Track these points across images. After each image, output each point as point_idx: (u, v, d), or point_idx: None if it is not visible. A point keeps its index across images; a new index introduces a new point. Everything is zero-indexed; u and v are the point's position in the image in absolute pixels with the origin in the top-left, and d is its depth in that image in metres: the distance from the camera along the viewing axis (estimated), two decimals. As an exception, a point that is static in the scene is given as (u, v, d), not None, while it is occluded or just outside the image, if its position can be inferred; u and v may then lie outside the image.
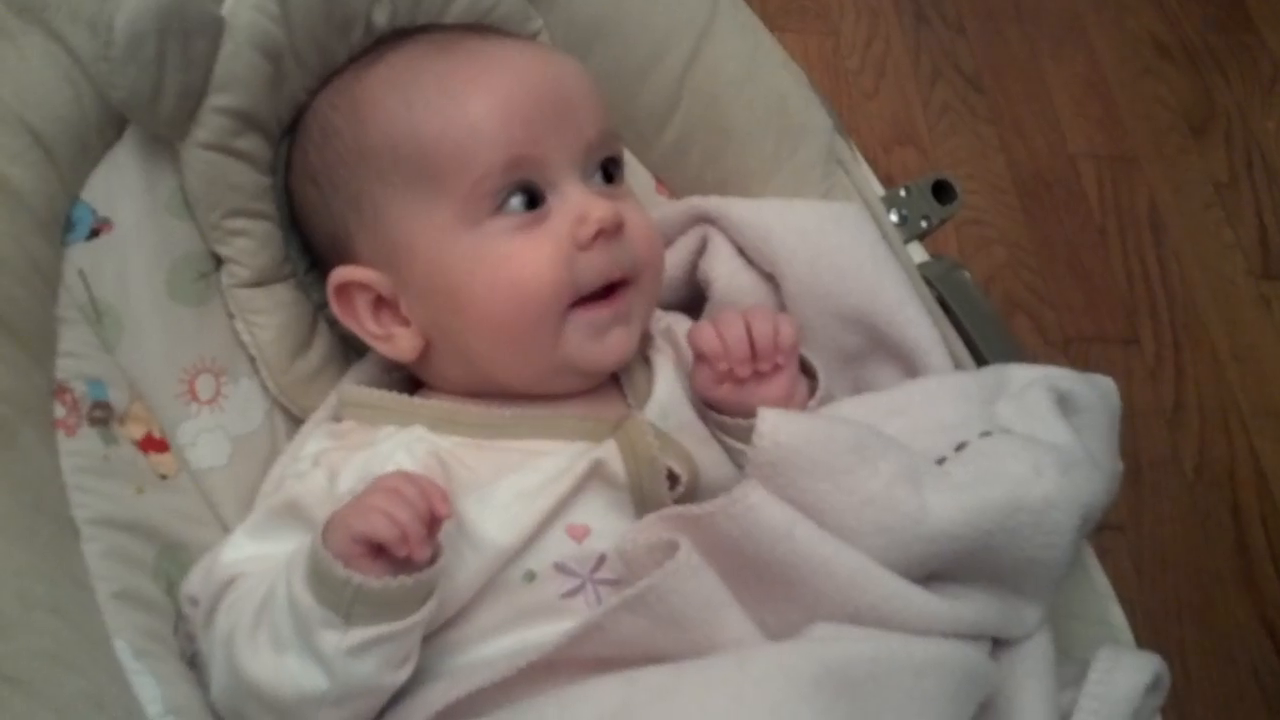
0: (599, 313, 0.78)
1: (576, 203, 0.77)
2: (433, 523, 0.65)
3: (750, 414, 0.73)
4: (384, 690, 0.68)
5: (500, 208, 0.77)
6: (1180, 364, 1.67)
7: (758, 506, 0.68)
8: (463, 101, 0.77)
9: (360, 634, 0.65)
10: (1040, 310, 1.68)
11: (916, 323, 0.88)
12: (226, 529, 0.81)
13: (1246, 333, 1.71)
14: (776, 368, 0.80)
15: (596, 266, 0.77)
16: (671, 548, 0.67)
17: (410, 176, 0.78)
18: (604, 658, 0.67)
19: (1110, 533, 1.46)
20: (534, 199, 0.78)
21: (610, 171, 0.82)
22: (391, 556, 0.64)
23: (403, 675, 0.68)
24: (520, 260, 0.76)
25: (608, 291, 0.79)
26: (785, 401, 0.81)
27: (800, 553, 0.68)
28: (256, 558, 0.73)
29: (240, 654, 0.67)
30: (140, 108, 0.78)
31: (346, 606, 0.64)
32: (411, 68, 0.81)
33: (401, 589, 0.65)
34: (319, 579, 0.64)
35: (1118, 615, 0.82)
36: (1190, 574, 1.48)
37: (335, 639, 0.65)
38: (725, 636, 0.66)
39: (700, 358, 0.81)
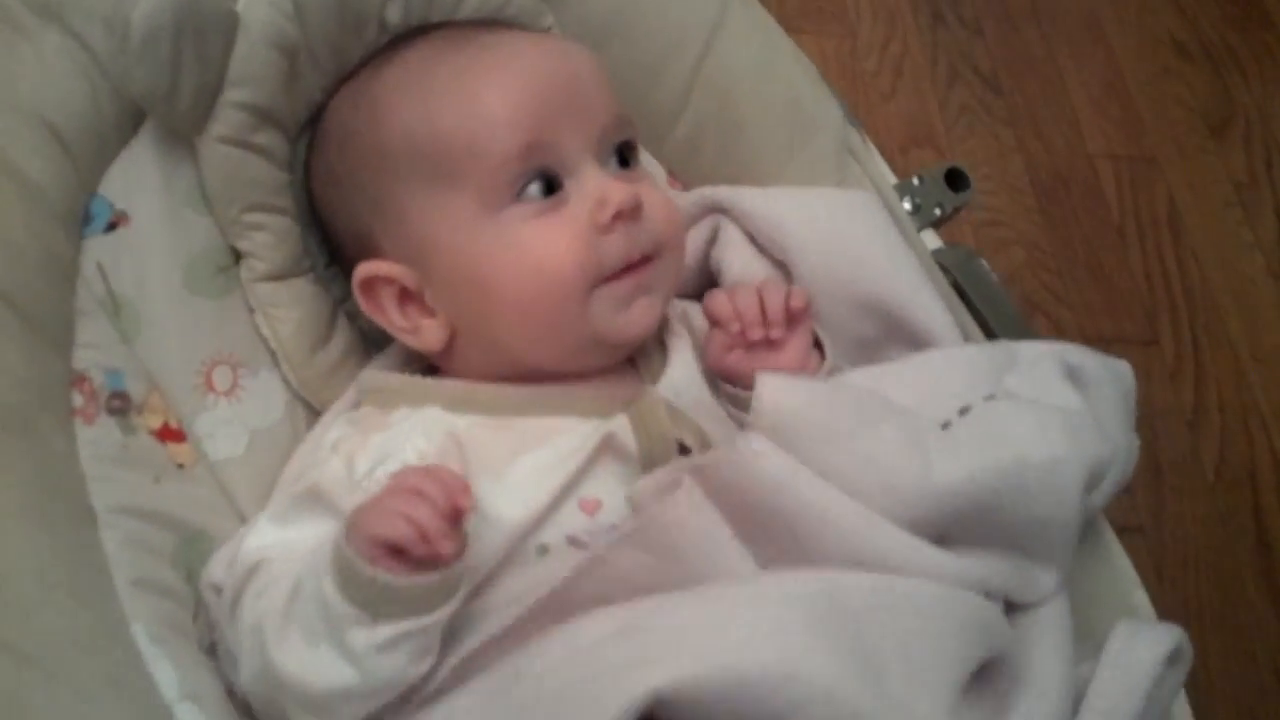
0: (622, 285, 0.78)
1: (594, 187, 0.78)
2: (455, 516, 0.65)
3: None
4: (410, 680, 0.68)
5: (519, 195, 0.77)
6: (1200, 365, 1.66)
7: (760, 455, 0.69)
8: (476, 93, 0.78)
9: (388, 630, 0.65)
10: (1059, 311, 1.68)
11: (931, 309, 0.88)
12: (244, 519, 0.82)
13: (1267, 333, 1.70)
14: (787, 335, 0.81)
15: (617, 248, 0.78)
16: (677, 485, 0.68)
17: (429, 171, 0.78)
18: (609, 595, 0.67)
19: (1131, 534, 1.46)
20: (551, 185, 0.78)
21: (626, 156, 0.82)
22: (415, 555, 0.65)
23: (428, 664, 0.69)
24: (542, 246, 0.77)
25: (629, 266, 0.79)
26: (797, 370, 0.81)
27: (803, 500, 0.68)
28: (280, 544, 0.73)
29: (270, 645, 0.68)
30: (157, 103, 0.79)
31: (374, 605, 0.65)
32: (426, 65, 0.82)
33: (428, 585, 0.65)
34: (345, 577, 0.65)
35: (1141, 599, 0.82)
36: (1211, 575, 1.47)
37: (364, 636, 0.65)
38: (726, 571, 0.67)
39: (714, 323, 0.82)
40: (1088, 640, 0.75)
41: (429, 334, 0.81)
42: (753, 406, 0.71)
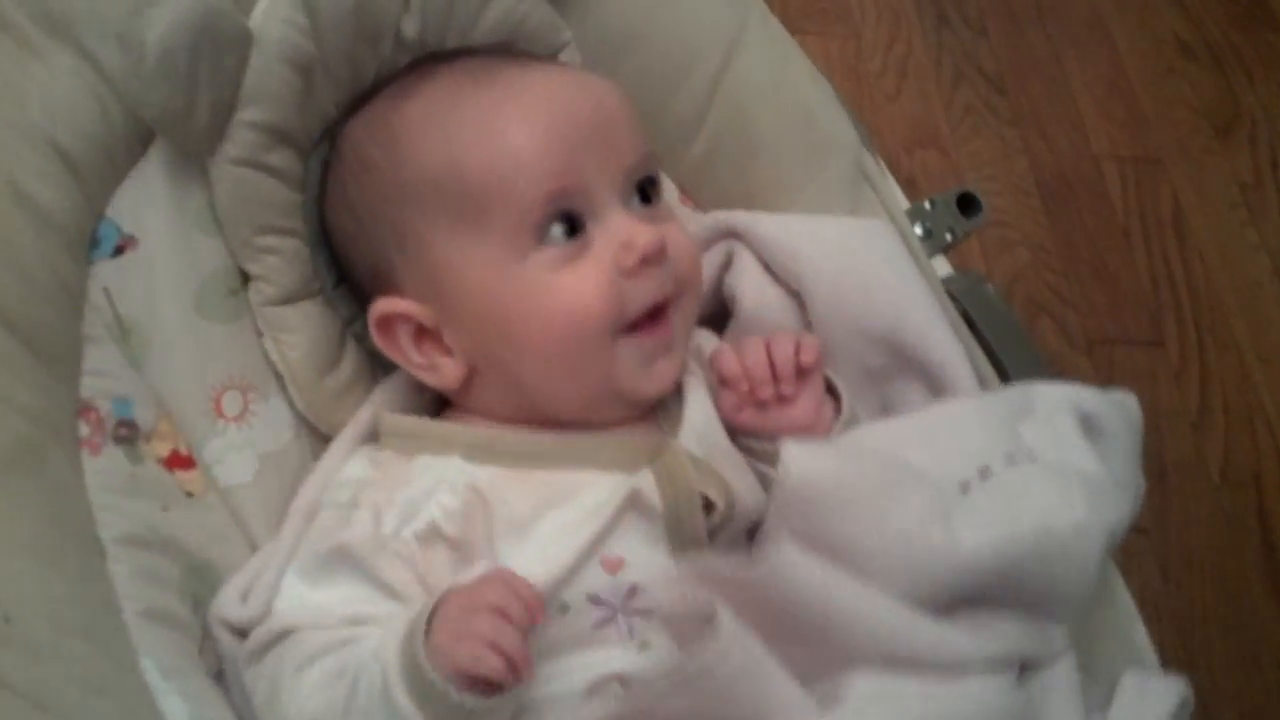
0: (648, 340, 0.78)
1: (619, 230, 0.77)
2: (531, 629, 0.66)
3: (776, 437, 0.73)
4: None
5: (542, 238, 0.77)
6: (1205, 366, 1.66)
7: (795, 572, 0.68)
8: (504, 133, 0.77)
9: None
10: (1064, 312, 1.68)
11: (943, 342, 0.87)
12: (254, 546, 0.81)
13: (1272, 334, 1.70)
14: (798, 389, 0.80)
15: (643, 292, 0.77)
16: (710, 610, 0.66)
17: (454, 210, 0.77)
18: None
19: (1135, 536, 1.45)
20: (574, 225, 0.77)
21: (647, 192, 0.81)
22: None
23: None
24: (569, 291, 0.76)
25: (653, 315, 0.79)
26: (811, 424, 0.81)
27: (836, 608, 0.68)
28: (316, 607, 0.73)
29: None
30: (172, 124, 0.78)
31: None
32: (450, 99, 0.80)
33: (506, 702, 0.65)
34: (424, 696, 0.64)
35: (1141, 635, 0.82)
36: (1216, 577, 1.47)
37: None
38: (769, 701, 0.66)
39: (722, 383, 0.81)
40: (1088, 674, 0.75)
41: (446, 372, 0.81)
42: (779, 479, 0.71)
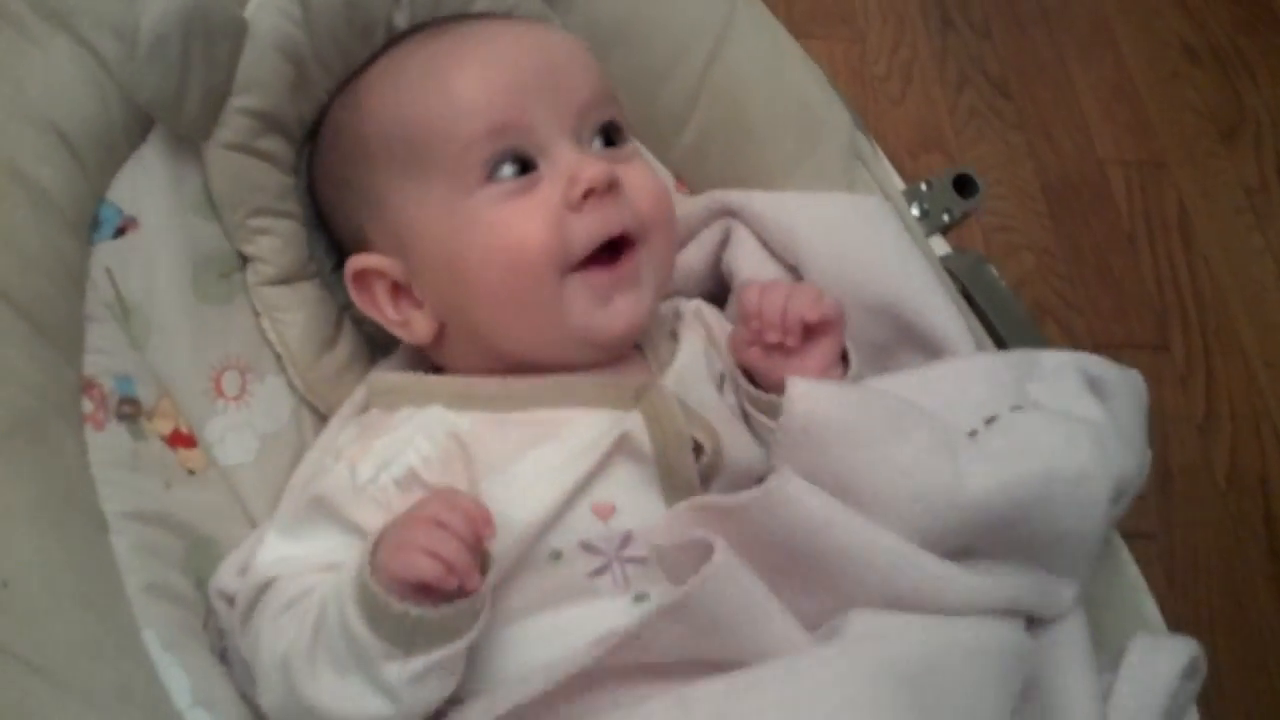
0: (597, 277, 0.77)
1: (567, 165, 0.77)
2: (478, 544, 0.65)
3: (779, 389, 0.72)
4: (439, 701, 0.69)
5: (490, 177, 0.77)
6: (1211, 370, 1.65)
7: (794, 498, 0.67)
8: (444, 78, 0.78)
9: (422, 661, 0.65)
10: (1069, 316, 1.67)
11: (943, 313, 0.87)
12: (254, 524, 0.82)
13: (1278, 338, 1.70)
14: (810, 333, 0.79)
15: (588, 227, 0.76)
16: (706, 547, 0.65)
17: (403, 158, 0.78)
18: (644, 664, 0.66)
19: (1142, 541, 1.45)
20: (525, 166, 0.77)
21: (611, 136, 0.81)
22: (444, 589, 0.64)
23: (455, 683, 0.69)
24: (510, 225, 0.76)
25: (613, 256, 0.78)
26: (820, 376, 0.80)
27: (838, 542, 0.67)
28: (290, 559, 0.73)
29: (300, 680, 0.68)
30: (165, 109, 0.79)
31: (405, 639, 0.65)
32: (402, 57, 0.82)
33: (457, 613, 0.65)
34: (373, 613, 0.64)
35: (1150, 607, 0.81)
36: (1223, 582, 1.46)
37: (397, 669, 0.65)
38: (767, 638, 0.65)
39: (741, 315, 0.81)
40: (1097, 646, 0.74)
41: (418, 326, 0.81)
42: (783, 409, 0.70)
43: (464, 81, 0.77)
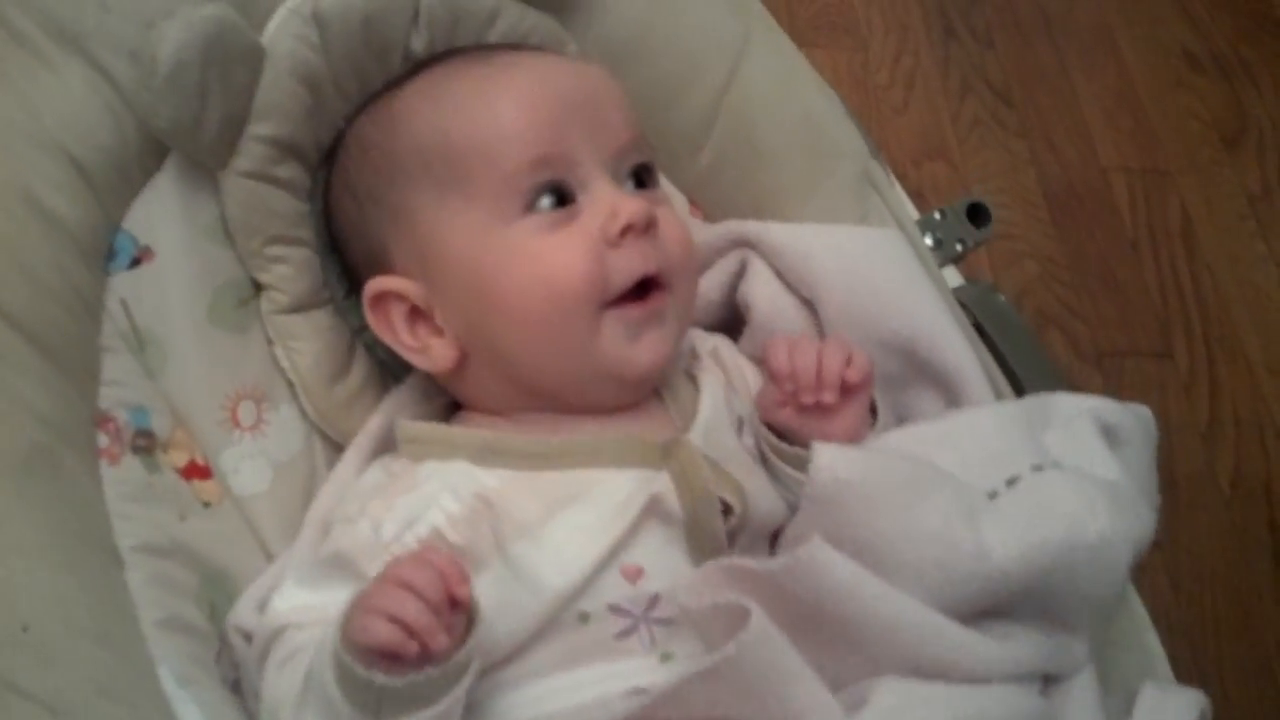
0: (633, 311, 0.77)
1: (607, 199, 0.77)
2: (452, 604, 0.64)
3: (808, 443, 0.72)
4: None
5: (530, 207, 0.77)
6: (1215, 378, 1.66)
7: (824, 566, 0.67)
8: (490, 103, 0.78)
9: None
10: (1073, 325, 1.67)
11: (956, 348, 0.87)
12: (270, 556, 0.81)
13: (1281, 345, 1.70)
14: (842, 403, 0.79)
15: (628, 262, 0.76)
16: (739, 612, 0.65)
17: (441, 179, 0.78)
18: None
19: (1146, 549, 1.45)
20: (563, 198, 0.77)
21: (643, 178, 0.82)
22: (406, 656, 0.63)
23: None
24: (551, 256, 0.76)
25: (642, 293, 0.78)
26: (851, 439, 0.79)
27: (864, 610, 0.67)
28: (305, 608, 0.73)
29: None
30: (182, 137, 0.78)
31: (374, 705, 0.64)
32: (445, 77, 0.82)
33: (428, 681, 0.64)
34: (344, 678, 0.64)
35: (1155, 644, 0.82)
36: (1228, 590, 1.47)
37: None
38: (797, 703, 0.65)
39: (771, 377, 0.80)
40: (1103, 682, 0.75)
41: (437, 354, 0.80)
42: (809, 475, 0.70)
43: (513, 108, 0.77)
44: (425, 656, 0.63)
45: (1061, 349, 1.63)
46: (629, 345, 0.77)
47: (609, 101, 0.80)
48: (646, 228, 0.77)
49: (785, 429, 0.81)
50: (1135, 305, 1.71)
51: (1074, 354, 1.64)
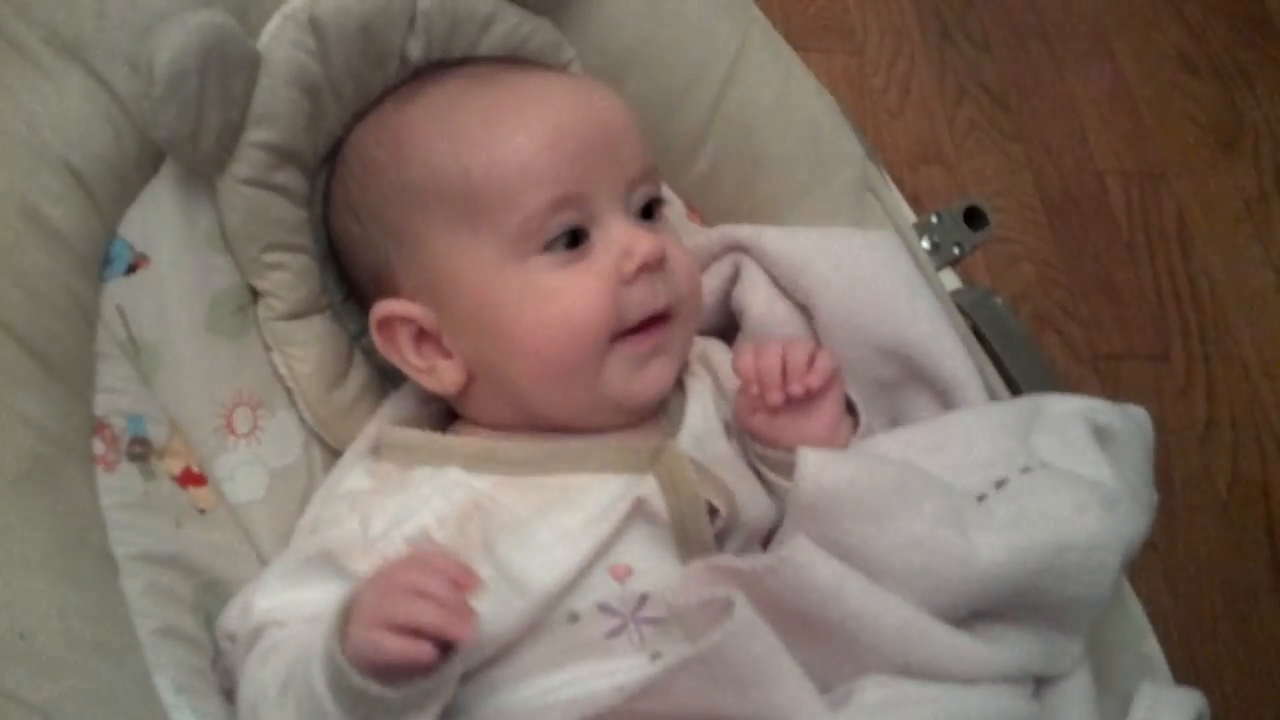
0: (639, 346, 0.79)
1: (620, 237, 0.78)
2: (463, 600, 0.64)
3: (790, 447, 0.73)
4: None
5: (547, 246, 0.77)
6: (1211, 380, 1.66)
7: (807, 566, 0.68)
8: (507, 137, 0.77)
9: None
10: (1069, 328, 1.68)
11: (952, 353, 0.87)
12: (264, 563, 0.81)
13: (1278, 348, 1.70)
14: (811, 396, 0.79)
15: (641, 299, 0.78)
16: (725, 604, 0.66)
17: (455, 211, 0.78)
18: (658, 713, 0.66)
19: (1144, 551, 1.44)
20: (577, 236, 0.78)
21: (651, 209, 0.82)
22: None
23: None
24: (568, 295, 0.77)
25: (648, 324, 0.79)
26: (829, 438, 0.80)
27: (851, 610, 0.68)
28: (287, 605, 0.73)
29: None
30: (180, 145, 0.78)
31: (365, 711, 0.64)
32: (453, 101, 0.81)
33: (422, 693, 0.64)
34: (336, 681, 0.64)
35: (1153, 646, 0.82)
36: (1225, 591, 1.47)
37: None
38: (782, 696, 0.65)
39: (741, 382, 0.81)
40: (1101, 684, 0.75)
41: (444, 376, 0.81)
42: (795, 483, 0.71)
43: (531, 145, 0.77)
44: (445, 652, 0.63)
45: (1058, 352, 1.63)
46: (634, 376, 0.79)
47: (622, 133, 0.81)
48: (659, 264, 0.78)
49: (761, 435, 0.81)
50: (1132, 308, 1.71)
51: (1070, 357, 1.64)
